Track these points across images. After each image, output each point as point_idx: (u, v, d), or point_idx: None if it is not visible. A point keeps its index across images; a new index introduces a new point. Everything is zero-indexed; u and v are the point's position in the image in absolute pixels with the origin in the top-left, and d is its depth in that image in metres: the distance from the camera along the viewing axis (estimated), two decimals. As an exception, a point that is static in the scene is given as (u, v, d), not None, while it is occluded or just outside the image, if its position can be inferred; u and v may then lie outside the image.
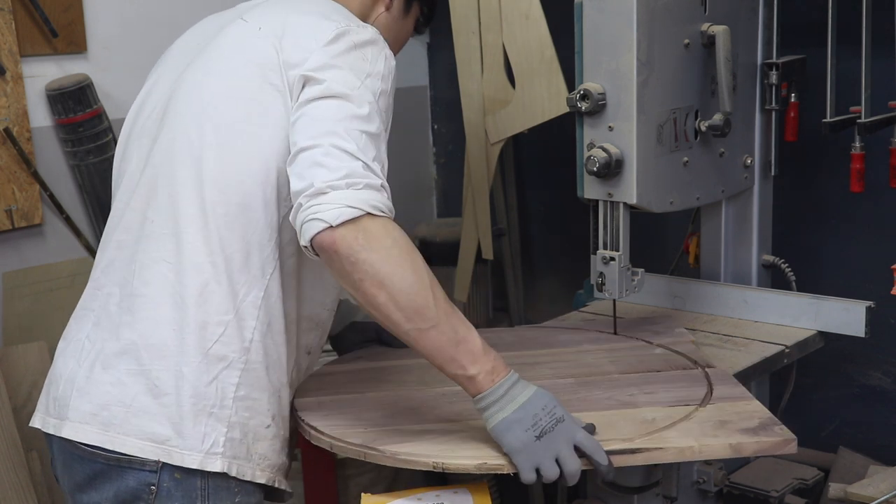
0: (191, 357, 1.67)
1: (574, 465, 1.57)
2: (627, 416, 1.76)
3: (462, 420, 1.76)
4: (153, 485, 1.67)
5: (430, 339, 1.57)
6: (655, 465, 2.13)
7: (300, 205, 1.57)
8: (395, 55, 1.88)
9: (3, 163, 2.77)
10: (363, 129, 1.62)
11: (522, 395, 1.59)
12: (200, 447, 1.67)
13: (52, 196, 2.87)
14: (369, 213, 1.54)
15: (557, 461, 1.57)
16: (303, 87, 1.67)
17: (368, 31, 1.75)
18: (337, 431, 1.80)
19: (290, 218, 1.62)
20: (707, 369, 1.97)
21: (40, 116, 2.86)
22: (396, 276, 1.54)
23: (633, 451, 1.63)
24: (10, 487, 2.65)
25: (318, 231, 1.54)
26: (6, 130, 2.75)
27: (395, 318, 1.56)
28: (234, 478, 1.70)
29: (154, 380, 1.67)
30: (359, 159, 1.58)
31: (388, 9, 1.96)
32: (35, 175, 2.82)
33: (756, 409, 1.76)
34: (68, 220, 2.92)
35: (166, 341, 1.68)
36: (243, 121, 1.70)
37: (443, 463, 1.64)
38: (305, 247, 1.59)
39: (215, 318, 1.68)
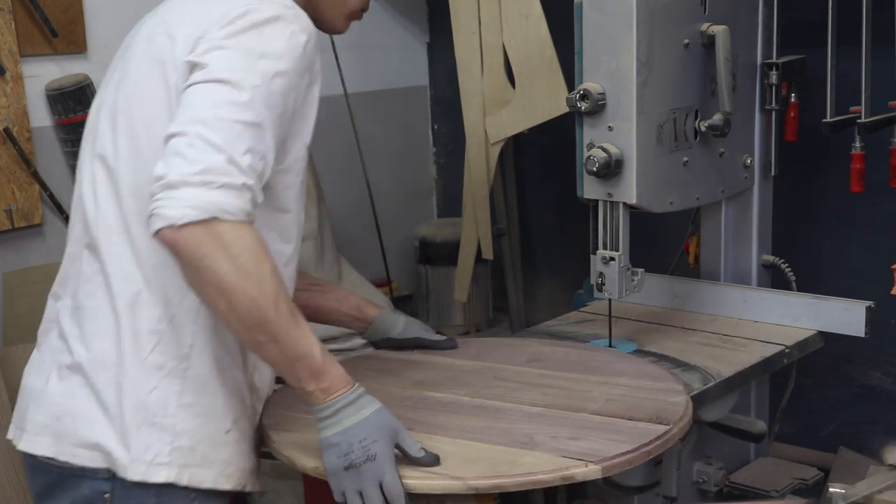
0: (129, 368, 1.64)
1: None
2: (498, 455, 1.63)
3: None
4: (107, 492, 1.65)
5: (268, 352, 1.56)
6: (658, 463, 2.10)
7: (152, 193, 1.49)
8: (342, 19, 1.78)
9: (3, 163, 2.77)
10: (238, 117, 1.51)
11: (348, 421, 1.56)
12: (144, 458, 1.63)
13: (52, 196, 2.87)
14: (216, 217, 1.47)
15: (362, 495, 1.55)
16: (190, 73, 1.58)
17: (273, 8, 1.60)
18: (272, 420, 1.79)
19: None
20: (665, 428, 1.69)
21: (40, 116, 2.86)
22: (238, 287, 1.48)
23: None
24: (10, 487, 2.65)
25: (160, 227, 1.47)
26: (6, 130, 2.75)
27: (235, 326, 1.54)
28: (185, 487, 1.66)
29: (98, 392, 1.65)
30: (223, 152, 1.49)
31: None
32: (35, 175, 2.82)
33: None
34: (68, 221, 2.91)
35: (108, 353, 1.65)
36: (150, 125, 1.64)
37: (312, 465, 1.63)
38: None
39: (148, 327, 1.65)
